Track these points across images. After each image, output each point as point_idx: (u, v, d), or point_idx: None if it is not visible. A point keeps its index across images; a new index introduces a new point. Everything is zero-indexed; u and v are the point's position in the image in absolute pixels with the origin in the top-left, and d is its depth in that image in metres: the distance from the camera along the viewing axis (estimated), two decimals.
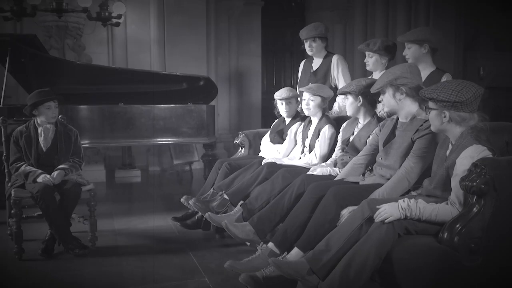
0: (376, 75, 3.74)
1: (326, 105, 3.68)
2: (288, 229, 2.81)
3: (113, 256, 3.59)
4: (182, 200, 3.66)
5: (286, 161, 3.67)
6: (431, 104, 2.31)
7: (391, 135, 2.83)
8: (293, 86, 9.54)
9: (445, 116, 2.27)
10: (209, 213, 3.31)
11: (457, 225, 2.08)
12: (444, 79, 3.31)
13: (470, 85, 2.25)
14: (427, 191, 2.43)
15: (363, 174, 3.00)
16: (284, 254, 2.67)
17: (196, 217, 3.83)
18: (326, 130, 3.55)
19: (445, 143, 2.42)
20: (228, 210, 3.40)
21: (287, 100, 4.02)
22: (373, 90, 2.85)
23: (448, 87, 2.26)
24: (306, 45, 4.23)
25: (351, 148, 3.26)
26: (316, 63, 4.29)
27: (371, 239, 2.17)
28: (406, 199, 2.24)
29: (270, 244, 2.82)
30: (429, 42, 3.36)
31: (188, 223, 3.86)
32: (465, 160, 2.17)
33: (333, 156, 3.47)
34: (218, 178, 3.85)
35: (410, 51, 3.40)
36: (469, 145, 2.21)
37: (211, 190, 3.69)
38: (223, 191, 3.54)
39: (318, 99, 3.61)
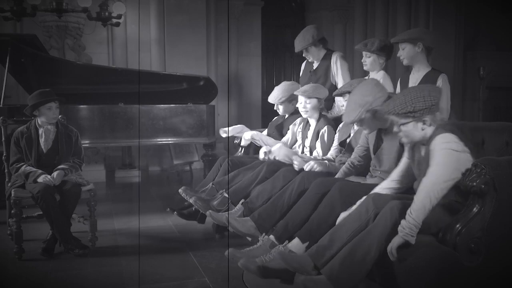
0: (373, 75, 3.74)
1: (323, 105, 3.66)
2: (289, 223, 2.82)
3: (113, 256, 3.59)
4: (180, 190, 3.65)
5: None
6: (403, 120, 2.26)
7: (379, 141, 2.84)
8: None
9: (424, 123, 2.26)
10: (210, 211, 3.31)
11: (457, 225, 2.08)
12: (440, 80, 3.29)
13: (426, 86, 2.34)
14: None
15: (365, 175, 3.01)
16: (285, 243, 2.68)
17: (193, 208, 3.77)
18: (326, 132, 3.54)
19: (417, 147, 2.41)
20: (230, 208, 3.40)
21: (279, 103, 4.01)
22: (349, 122, 2.87)
23: (416, 95, 2.24)
24: (303, 54, 4.21)
25: (348, 150, 3.26)
26: (317, 62, 4.27)
27: (373, 233, 2.17)
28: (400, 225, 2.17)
29: (272, 236, 2.83)
30: (423, 41, 3.34)
31: (185, 213, 3.84)
32: (437, 146, 2.18)
33: (328, 155, 3.47)
34: (219, 174, 3.85)
35: (404, 52, 3.38)
36: (434, 137, 2.23)
37: (210, 184, 3.68)
38: (224, 190, 3.54)
39: (314, 100, 3.57)
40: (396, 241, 2.09)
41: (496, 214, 2.08)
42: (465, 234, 2.05)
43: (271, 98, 4.04)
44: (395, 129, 2.32)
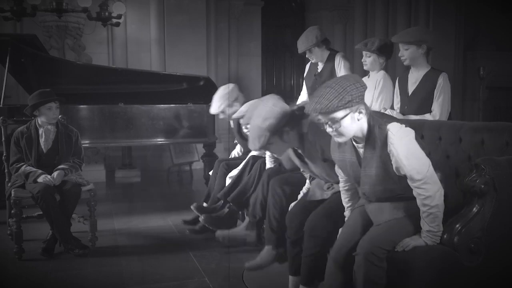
0: (373, 75, 3.72)
1: None
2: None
3: (113, 256, 3.59)
4: (192, 207, 3.70)
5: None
6: (341, 114, 2.06)
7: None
8: (293, 87, 9.56)
9: (360, 112, 2.09)
10: (218, 232, 3.33)
11: (457, 225, 2.07)
12: (440, 79, 3.28)
13: (346, 76, 2.20)
14: (375, 197, 2.23)
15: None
16: None
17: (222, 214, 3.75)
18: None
19: (346, 147, 2.25)
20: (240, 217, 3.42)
21: (221, 112, 3.88)
22: (256, 149, 2.68)
23: (345, 84, 2.05)
24: (307, 55, 4.19)
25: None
26: (321, 64, 4.24)
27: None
28: (425, 234, 2.10)
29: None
30: (427, 42, 3.33)
31: (197, 229, 3.84)
32: (401, 141, 2.06)
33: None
34: (218, 178, 3.84)
35: (407, 52, 3.33)
36: (386, 129, 2.09)
37: (220, 202, 3.69)
38: (230, 202, 3.53)
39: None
40: (415, 243, 2.07)
41: (496, 214, 2.07)
42: (465, 234, 2.05)
43: (212, 110, 3.91)
44: (329, 129, 2.10)
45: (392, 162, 2.09)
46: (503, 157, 2.19)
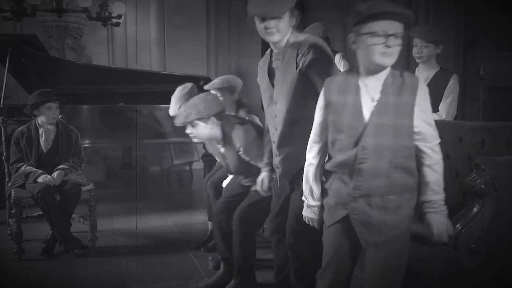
0: None
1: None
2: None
3: (113, 256, 3.59)
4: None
5: None
6: (400, 28, 1.88)
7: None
8: None
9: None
10: None
11: (457, 225, 2.07)
12: (452, 80, 3.25)
13: None
14: (376, 155, 1.80)
15: None
16: None
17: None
18: None
19: (350, 88, 1.95)
20: None
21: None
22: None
23: None
24: None
25: None
26: None
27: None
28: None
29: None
30: (444, 43, 3.32)
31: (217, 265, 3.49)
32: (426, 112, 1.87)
33: None
34: (211, 199, 3.68)
35: (426, 50, 3.23)
36: (417, 77, 1.94)
37: None
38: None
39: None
40: (449, 225, 1.91)
41: (496, 214, 2.07)
42: (465, 234, 2.05)
43: (171, 112, 3.56)
44: (392, 42, 1.88)
45: (416, 116, 1.84)
46: (503, 157, 2.20)
